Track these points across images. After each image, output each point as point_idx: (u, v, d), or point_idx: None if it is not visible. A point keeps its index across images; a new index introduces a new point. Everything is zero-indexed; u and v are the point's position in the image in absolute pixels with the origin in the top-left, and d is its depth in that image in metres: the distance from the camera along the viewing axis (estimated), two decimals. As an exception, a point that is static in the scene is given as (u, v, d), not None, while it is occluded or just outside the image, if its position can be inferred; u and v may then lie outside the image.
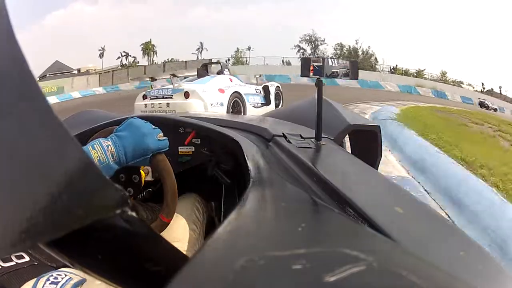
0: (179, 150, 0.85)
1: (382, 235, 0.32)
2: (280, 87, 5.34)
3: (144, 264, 0.20)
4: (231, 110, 3.98)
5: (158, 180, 0.71)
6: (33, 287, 0.42)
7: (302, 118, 1.03)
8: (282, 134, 0.79)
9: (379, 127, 0.99)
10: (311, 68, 0.73)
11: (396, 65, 30.62)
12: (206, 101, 3.68)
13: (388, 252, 0.25)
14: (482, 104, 23.53)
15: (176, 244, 0.60)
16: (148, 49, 28.97)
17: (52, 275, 0.44)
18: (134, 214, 0.18)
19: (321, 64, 0.74)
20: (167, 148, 0.59)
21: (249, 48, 29.80)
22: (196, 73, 4.34)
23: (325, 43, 30.97)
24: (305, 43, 30.72)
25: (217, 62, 5.03)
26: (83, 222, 0.14)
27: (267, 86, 4.86)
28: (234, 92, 4.11)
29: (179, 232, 0.71)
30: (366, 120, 1.07)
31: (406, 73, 29.54)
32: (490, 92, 29.22)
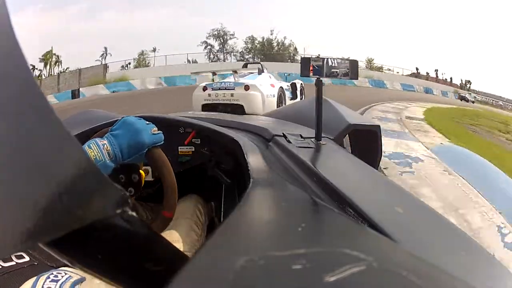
0: (179, 150, 0.85)
1: (382, 235, 0.32)
2: (303, 83, 6.19)
3: (144, 264, 0.20)
4: (278, 101, 4.82)
5: (158, 180, 0.71)
6: (33, 285, 0.42)
7: (302, 118, 1.03)
8: (282, 134, 0.79)
9: (379, 126, 0.99)
10: (311, 68, 0.73)
11: (319, 55, 26.76)
12: (264, 93, 4.43)
13: (388, 252, 0.25)
14: (462, 98, 24.28)
15: (176, 245, 0.60)
16: (46, 59, 24.64)
17: (52, 273, 0.44)
18: (134, 214, 0.18)
19: (320, 64, 0.74)
20: (163, 142, 0.59)
21: (154, 50, 25.89)
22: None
23: (235, 37, 27.84)
24: (213, 38, 27.54)
25: (257, 63, 6.12)
26: (83, 222, 0.14)
27: (295, 83, 5.80)
28: (280, 87, 5.03)
29: (180, 233, 0.71)
30: (366, 120, 1.07)
31: None
32: (426, 76, 27.85)
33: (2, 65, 0.13)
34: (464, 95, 25.83)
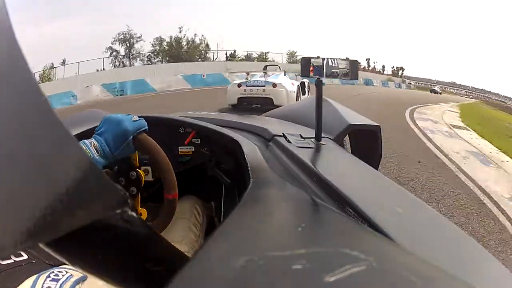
0: (179, 150, 0.85)
1: (382, 235, 0.32)
2: (309, 82, 7.07)
3: (144, 264, 0.20)
4: (296, 96, 6.01)
5: (158, 180, 0.71)
6: (34, 283, 0.42)
7: (302, 118, 1.03)
8: (282, 134, 0.79)
9: (379, 127, 0.99)
10: (311, 68, 0.74)
11: (235, 51, 24.53)
12: (288, 89, 5.78)
13: (388, 252, 0.25)
14: (432, 91, 25.77)
15: (175, 246, 0.60)
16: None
17: (53, 272, 0.44)
18: (134, 214, 0.18)
19: (321, 64, 0.74)
20: (146, 127, 0.60)
21: (63, 62, 21.32)
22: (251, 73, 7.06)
23: (142, 40, 25.11)
24: (119, 43, 24.60)
25: (276, 65, 8.06)
26: (83, 222, 0.14)
27: (303, 82, 6.81)
28: (297, 85, 6.24)
29: (178, 234, 0.71)
30: (366, 120, 1.07)
31: (248, 58, 24.15)
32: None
33: (1, 65, 0.13)
34: (434, 88, 27.27)
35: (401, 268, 0.20)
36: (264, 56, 24.44)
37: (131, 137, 0.57)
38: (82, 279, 0.45)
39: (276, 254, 0.20)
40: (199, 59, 23.06)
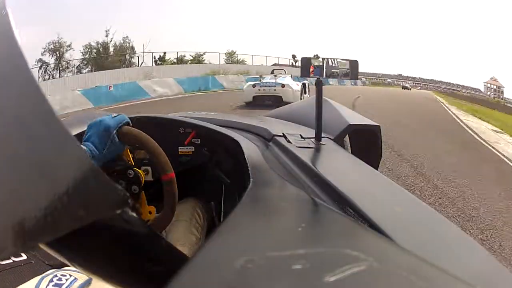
0: (179, 150, 0.85)
1: (382, 235, 0.32)
2: (309, 83, 8.16)
3: (144, 264, 0.20)
4: (300, 94, 7.27)
5: (158, 180, 0.71)
6: (36, 287, 0.41)
7: (302, 118, 1.03)
8: (282, 134, 0.79)
9: (379, 127, 0.99)
10: (311, 68, 0.74)
11: (165, 53, 20.38)
12: (294, 88, 7.09)
13: (388, 252, 0.25)
14: (404, 87, 29.52)
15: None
16: None
17: (56, 276, 0.43)
18: (134, 214, 0.18)
19: (321, 64, 0.74)
20: (128, 120, 0.60)
21: None
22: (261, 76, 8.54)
23: (72, 49, 20.43)
24: (49, 54, 20.00)
25: (281, 69, 9.47)
26: (83, 222, 0.14)
27: (305, 82, 8.00)
28: (301, 85, 7.54)
29: (179, 235, 0.71)
30: (366, 120, 1.07)
31: (181, 60, 20.50)
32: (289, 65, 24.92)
33: (2, 65, 0.13)
34: (405, 85, 30.88)
35: (401, 268, 0.20)
36: (200, 58, 21.35)
37: (115, 131, 0.58)
38: (87, 283, 0.43)
39: (276, 254, 0.20)
40: (124, 65, 19.10)
